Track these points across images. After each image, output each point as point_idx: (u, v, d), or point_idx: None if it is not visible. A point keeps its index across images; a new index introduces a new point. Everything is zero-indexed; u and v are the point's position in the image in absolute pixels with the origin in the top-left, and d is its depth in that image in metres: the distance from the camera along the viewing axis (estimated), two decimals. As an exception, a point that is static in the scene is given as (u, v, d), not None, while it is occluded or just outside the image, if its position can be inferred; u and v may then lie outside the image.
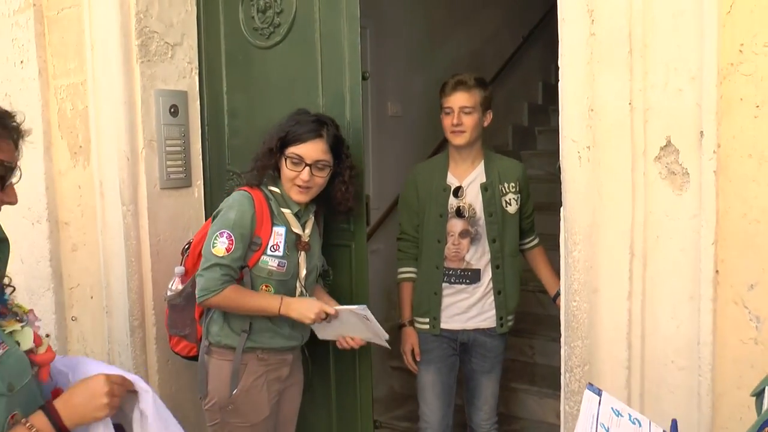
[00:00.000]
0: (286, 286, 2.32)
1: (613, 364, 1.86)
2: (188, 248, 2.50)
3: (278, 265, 2.30)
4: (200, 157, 2.99)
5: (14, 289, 1.51)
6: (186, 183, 2.97)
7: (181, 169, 2.93)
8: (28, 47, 3.14)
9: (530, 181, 2.90)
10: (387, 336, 2.40)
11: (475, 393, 2.89)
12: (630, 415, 1.41)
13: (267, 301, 2.28)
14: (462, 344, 2.81)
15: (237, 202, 2.30)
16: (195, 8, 2.95)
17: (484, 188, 2.71)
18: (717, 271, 1.70)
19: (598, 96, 1.82)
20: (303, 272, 2.37)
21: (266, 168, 2.34)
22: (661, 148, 1.76)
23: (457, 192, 2.72)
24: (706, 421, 1.73)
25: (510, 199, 2.73)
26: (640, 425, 1.39)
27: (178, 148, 2.91)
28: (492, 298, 2.75)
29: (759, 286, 1.67)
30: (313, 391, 2.71)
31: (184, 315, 2.45)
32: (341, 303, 2.46)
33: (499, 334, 2.79)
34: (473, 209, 2.72)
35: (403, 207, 2.86)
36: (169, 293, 2.48)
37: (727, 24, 1.65)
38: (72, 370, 1.56)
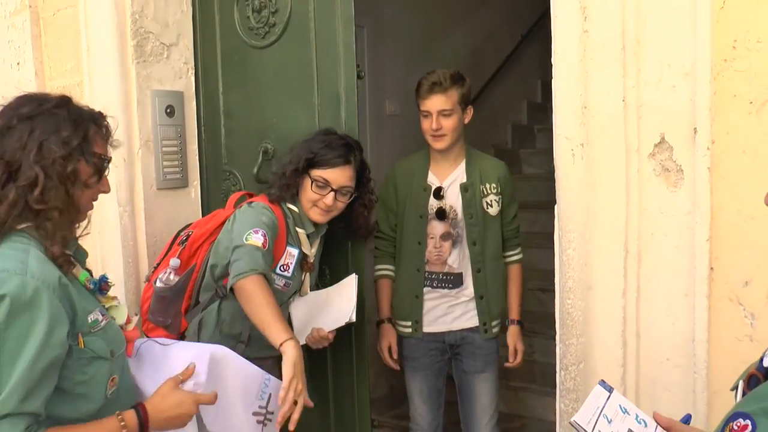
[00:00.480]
0: (279, 301, 2.21)
1: (609, 362, 1.86)
2: (186, 239, 2.42)
3: (284, 285, 2.29)
4: (197, 157, 2.99)
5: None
6: (183, 183, 2.96)
7: (177, 169, 2.93)
8: (25, 49, 3.14)
9: (529, 179, 2.86)
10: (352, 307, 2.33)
11: (471, 400, 2.76)
12: (637, 415, 1.41)
13: (276, 320, 2.02)
14: (450, 346, 2.73)
15: (265, 211, 2.25)
16: (190, 8, 2.95)
17: (464, 189, 2.61)
18: (711, 268, 1.70)
19: (592, 93, 1.82)
20: (305, 290, 2.37)
21: (291, 187, 2.31)
22: (655, 145, 1.76)
23: (438, 192, 2.62)
24: (701, 419, 1.72)
25: (491, 201, 2.62)
26: (645, 425, 1.39)
27: (175, 149, 2.91)
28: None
29: (753, 283, 1.66)
30: (311, 390, 2.70)
31: (169, 306, 2.37)
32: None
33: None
34: (454, 211, 2.62)
35: (381, 205, 2.69)
36: (159, 284, 2.36)
37: (720, 20, 1.64)
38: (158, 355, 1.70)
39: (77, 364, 1.44)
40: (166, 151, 2.88)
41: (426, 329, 2.68)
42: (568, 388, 1.92)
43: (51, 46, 3.11)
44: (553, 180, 1.94)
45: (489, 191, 2.62)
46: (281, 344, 1.93)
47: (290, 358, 1.89)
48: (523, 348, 2.78)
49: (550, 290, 2.02)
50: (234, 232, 2.23)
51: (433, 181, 2.65)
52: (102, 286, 1.59)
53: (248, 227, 2.19)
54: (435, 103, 2.53)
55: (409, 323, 2.70)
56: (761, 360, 0.98)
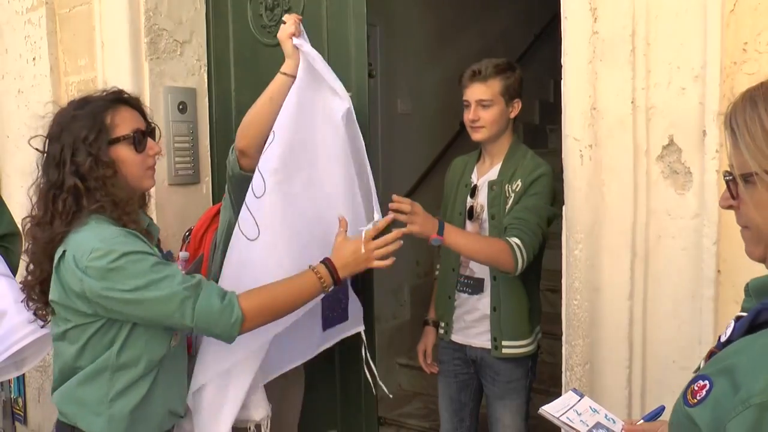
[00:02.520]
0: None
1: (614, 363, 1.86)
2: (188, 235, 2.48)
3: None
4: (208, 153, 3.02)
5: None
6: (194, 179, 2.99)
7: (189, 165, 2.95)
8: (41, 44, 3.18)
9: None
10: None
11: (492, 421, 2.52)
12: (606, 414, 1.47)
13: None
14: (473, 361, 2.52)
15: None
16: (204, 6, 2.97)
17: (491, 186, 2.40)
18: (719, 271, 1.70)
19: (601, 94, 1.82)
20: None
21: None
22: (664, 147, 1.76)
23: (474, 190, 2.47)
24: (706, 421, 1.72)
25: (513, 203, 2.35)
26: (614, 422, 1.45)
27: (187, 145, 2.94)
28: None
29: (761, 287, 1.66)
30: (318, 387, 2.73)
31: None
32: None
33: (514, 357, 2.41)
34: (484, 210, 2.44)
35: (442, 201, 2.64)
36: None
37: (730, 22, 1.64)
38: None
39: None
40: (178, 147, 2.91)
41: (453, 337, 2.54)
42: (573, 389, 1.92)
43: (66, 42, 3.14)
44: (560, 179, 1.94)
45: (512, 192, 2.36)
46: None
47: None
48: (418, 217, 2.07)
49: (559, 291, 2.02)
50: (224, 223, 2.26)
51: (474, 178, 2.51)
52: (169, 258, 1.85)
53: None
54: (474, 92, 2.40)
55: (443, 324, 2.58)
56: (719, 338, 1.03)
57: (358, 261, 1.89)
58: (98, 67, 2.98)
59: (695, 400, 0.92)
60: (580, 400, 1.51)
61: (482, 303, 2.44)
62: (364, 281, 2.61)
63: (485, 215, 2.42)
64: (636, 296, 1.82)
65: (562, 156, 1.91)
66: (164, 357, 1.74)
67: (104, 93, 1.77)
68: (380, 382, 2.43)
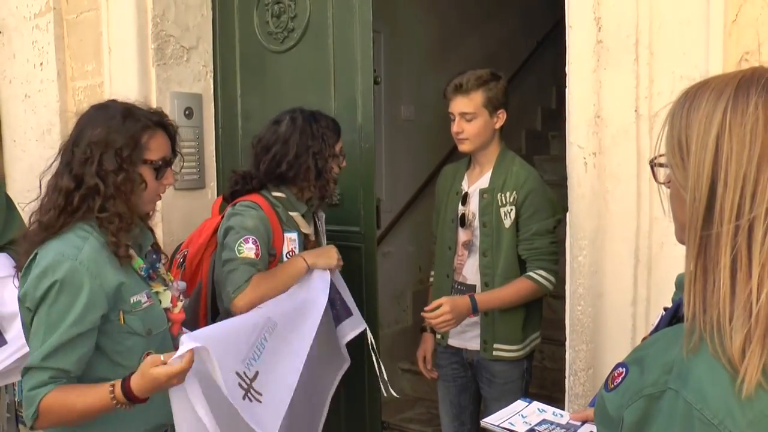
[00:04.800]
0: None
1: (617, 369, 1.88)
2: (183, 261, 2.41)
3: None
4: (214, 158, 3.04)
5: (167, 258, 2.04)
6: (200, 184, 3.01)
7: (194, 170, 2.98)
8: (48, 49, 3.21)
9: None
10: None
11: None
12: (554, 411, 1.53)
13: (292, 266, 2.27)
14: (470, 364, 2.55)
15: (249, 211, 2.25)
16: (211, 13, 3.00)
17: (482, 194, 2.44)
18: (721, 278, 1.71)
19: (605, 103, 1.84)
20: None
21: (330, 181, 2.35)
22: (667, 155, 1.77)
23: (465, 198, 2.51)
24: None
25: (507, 212, 2.40)
26: (561, 416, 1.50)
27: (192, 150, 2.96)
28: None
29: (762, 293, 1.67)
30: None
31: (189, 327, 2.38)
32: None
33: (507, 360, 2.44)
34: (475, 217, 2.47)
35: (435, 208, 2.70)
36: None
37: (732, 32, 1.66)
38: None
39: (118, 336, 1.70)
40: (184, 152, 2.83)
41: (449, 341, 2.56)
42: (576, 394, 1.94)
43: (73, 48, 3.17)
44: (567, 187, 1.96)
45: (506, 201, 2.40)
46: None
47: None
48: (449, 316, 2.24)
49: (562, 297, 2.04)
50: (225, 247, 2.22)
51: (465, 185, 2.54)
52: (151, 275, 1.82)
53: (238, 237, 2.20)
54: (456, 105, 2.42)
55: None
56: (651, 327, 1.08)
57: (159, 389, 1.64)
58: (105, 72, 3.01)
59: (612, 386, 0.94)
60: (527, 405, 1.57)
61: None
62: (367, 288, 2.63)
63: (477, 223, 2.46)
64: (639, 302, 1.84)
65: (567, 163, 1.93)
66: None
67: (150, 110, 1.80)
68: (386, 379, 2.44)
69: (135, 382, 1.58)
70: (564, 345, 2.00)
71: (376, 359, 2.44)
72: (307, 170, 2.28)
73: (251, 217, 2.23)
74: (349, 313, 2.41)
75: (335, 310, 2.40)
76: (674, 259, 1.79)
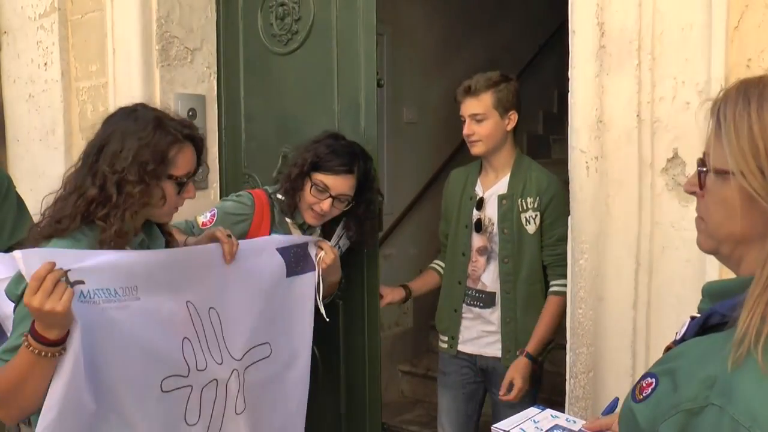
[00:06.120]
0: None
1: (618, 372, 1.89)
2: None
3: None
4: (217, 160, 3.05)
5: None
6: (202, 185, 3.01)
7: (198, 171, 2.97)
8: (52, 50, 3.22)
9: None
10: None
11: None
12: (567, 418, 1.54)
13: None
14: (482, 370, 2.54)
15: (234, 197, 2.36)
16: (215, 14, 3.01)
17: (501, 200, 2.43)
18: (721, 282, 1.72)
19: (607, 107, 1.85)
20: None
21: (296, 191, 2.31)
22: (668, 160, 1.79)
23: (480, 203, 2.48)
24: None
25: (530, 217, 2.39)
26: (575, 423, 1.51)
27: (196, 151, 2.96)
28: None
29: (763, 298, 1.68)
30: (322, 393, 2.75)
31: None
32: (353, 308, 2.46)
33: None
34: (492, 223, 2.45)
35: (442, 213, 2.70)
36: None
37: (734, 39, 1.68)
38: None
39: None
40: None
41: (460, 347, 2.56)
42: (577, 396, 1.95)
43: (78, 48, 3.18)
44: (568, 190, 1.97)
45: (528, 206, 2.39)
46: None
47: None
48: (522, 386, 2.35)
49: (562, 300, 2.05)
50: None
51: (479, 190, 2.52)
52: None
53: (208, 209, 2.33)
54: (467, 107, 2.43)
55: (446, 338, 2.60)
56: (675, 335, 1.06)
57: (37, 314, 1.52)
58: (109, 72, 3.01)
59: (641, 397, 0.92)
60: (540, 411, 1.57)
61: (494, 316, 2.48)
62: (369, 290, 2.64)
63: (495, 229, 2.44)
64: (640, 306, 1.85)
65: (569, 168, 1.95)
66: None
67: (180, 122, 1.75)
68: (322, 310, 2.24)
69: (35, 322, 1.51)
70: (564, 348, 2.01)
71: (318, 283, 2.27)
72: (293, 187, 2.32)
73: (231, 200, 2.35)
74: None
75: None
76: (675, 263, 1.81)
